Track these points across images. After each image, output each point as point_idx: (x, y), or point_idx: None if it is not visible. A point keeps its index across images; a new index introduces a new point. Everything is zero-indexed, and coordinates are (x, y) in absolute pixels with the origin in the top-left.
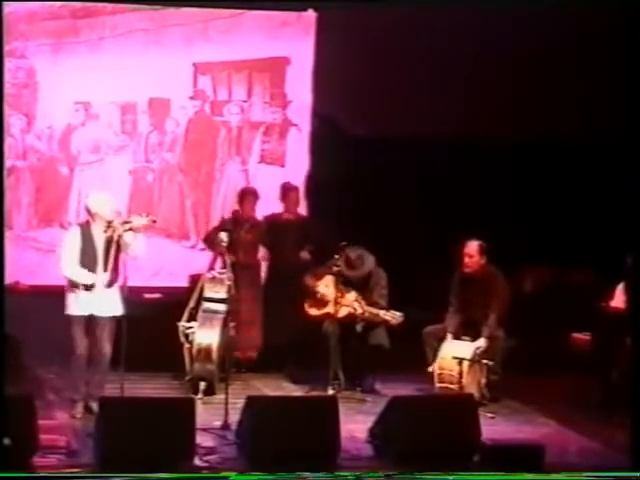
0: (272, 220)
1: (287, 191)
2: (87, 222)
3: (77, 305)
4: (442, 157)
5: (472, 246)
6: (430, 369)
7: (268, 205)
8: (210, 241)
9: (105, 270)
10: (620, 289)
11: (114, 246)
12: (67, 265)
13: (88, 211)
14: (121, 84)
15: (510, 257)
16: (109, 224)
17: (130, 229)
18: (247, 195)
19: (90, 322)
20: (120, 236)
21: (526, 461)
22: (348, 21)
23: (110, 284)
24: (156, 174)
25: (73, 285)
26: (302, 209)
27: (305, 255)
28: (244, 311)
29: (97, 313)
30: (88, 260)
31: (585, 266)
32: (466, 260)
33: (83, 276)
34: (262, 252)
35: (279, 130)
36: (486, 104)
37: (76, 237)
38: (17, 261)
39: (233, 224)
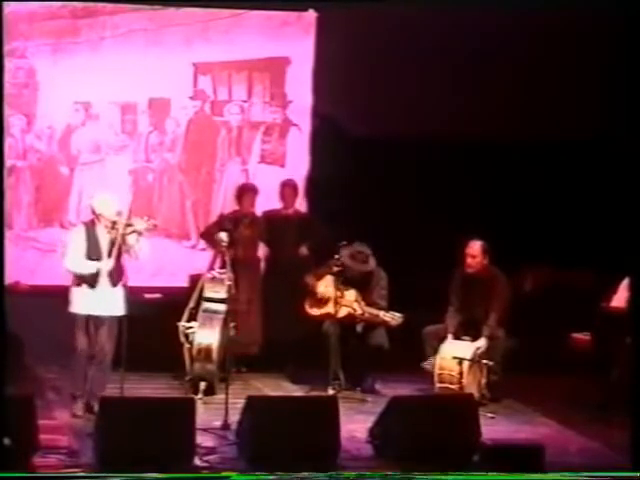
0: (271, 216)
1: (284, 187)
2: (92, 221)
3: (81, 303)
4: (442, 157)
5: (475, 246)
6: (426, 364)
7: (268, 204)
8: (208, 237)
9: (109, 269)
10: (620, 289)
11: (117, 247)
12: (71, 259)
13: (92, 212)
14: (121, 84)
15: (510, 257)
16: (113, 225)
17: (134, 232)
18: (246, 191)
19: (93, 320)
20: (123, 238)
21: (526, 461)
22: (348, 21)
23: (114, 284)
24: (156, 174)
25: (77, 283)
26: (302, 208)
27: (304, 251)
28: (244, 306)
29: (100, 312)
30: (92, 259)
31: (585, 266)
32: (469, 261)
33: (86, 266)
34: (261, 248)
35: (279, 130)
36: (486, 104)
37: (81, 235)
38: (17, 261)
39: (232, 221)
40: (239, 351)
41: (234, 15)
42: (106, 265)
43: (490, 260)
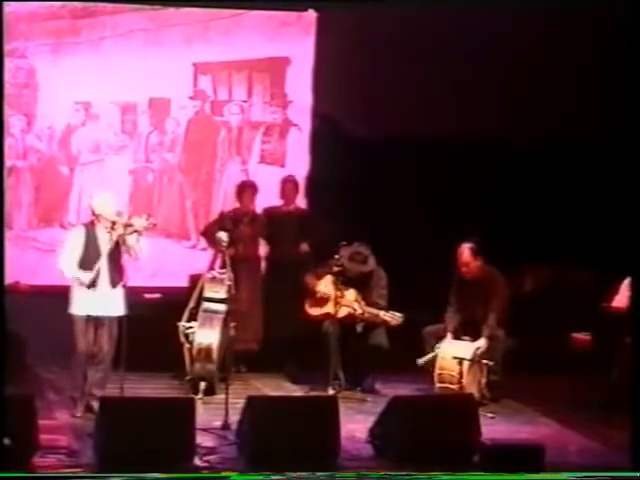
0: (272, 213)
1: (285, 183)
2: (92, 222)
3: (81, 304)
4: (442, 157)
5: (465, 253)
6: (420, 361)
7: (268, 203)
8: (209, 236)
9: (109, 270)
10: (620, 289)
11: (117, 247)
12: (64, 261)
13: (92, 212)
14: (121, 84)
15: (510, 257)
16: (112, 225)
17: (134, 231)
18: (246, 188)
19: (93, 321)
20: (123, 238)
21: (526, 461)
22: (348, 21)
23: (114, 284)
24: (156, 174)
25: (77, 284)
26: (302, 205)
27: (304, 247)
28: (244, 304)
29: (100, 313)
30: (91, 260)
31: (585, 266)
32: (463, 269)
33: (77, 274)
34: (262, 246)
35: (279, 130)
36: (486, 104)
37: (80, 236)
38: (17, 261)
39: (233, 219)
40: (239, 348)
41: (234, 15)
42: (105, 277)
43: (485, 260)
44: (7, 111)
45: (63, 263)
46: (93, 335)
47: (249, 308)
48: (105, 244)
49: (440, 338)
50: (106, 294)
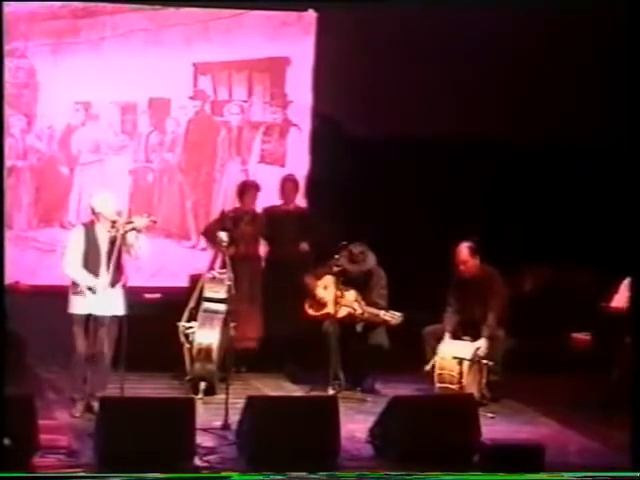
0: (272, 212)
1: (285, 182)
2: (92, 222)
3: (80, 304)
4: (442, 157)
5: (463, 251)
6: (427, 367)
7: (268, 203)
8: (209, 235)
9: (108, 270)
10: (620, 289)
11: (117, 246)
12: (69, 264)
13: (92, 211)
14: (121, 84)
15: (510, 257)
16: (113, 224)
17: (133, 229)
18: (248, 188)
19: (92, 321)
20: (123, 236)
21: (526, 461)
22: (348, 21)
23: (113, 284)
24: (156, 174)
25: (76, 284)
26: (302, 204)
27: (304, 247)
28: (244, 303)
29: (99, 312)
30: (92, 260)
31: (585, 266)
32: (461, 267)
33: (84, 277)
34: (262, 245)
35: (279, 130)
36: (486, 104)
37: (80, 236)
38: (17, 261)
39: (233, 218)
40: (239, 348)
41: (234, 15)
42: (105, 278)
43: (482, 259)
44: (7, 111)
45: (69, 267)
46: (93, 335)
47: (249, 308)
48: (105, 243)
49: (440, 338)
50: (106, 293)
